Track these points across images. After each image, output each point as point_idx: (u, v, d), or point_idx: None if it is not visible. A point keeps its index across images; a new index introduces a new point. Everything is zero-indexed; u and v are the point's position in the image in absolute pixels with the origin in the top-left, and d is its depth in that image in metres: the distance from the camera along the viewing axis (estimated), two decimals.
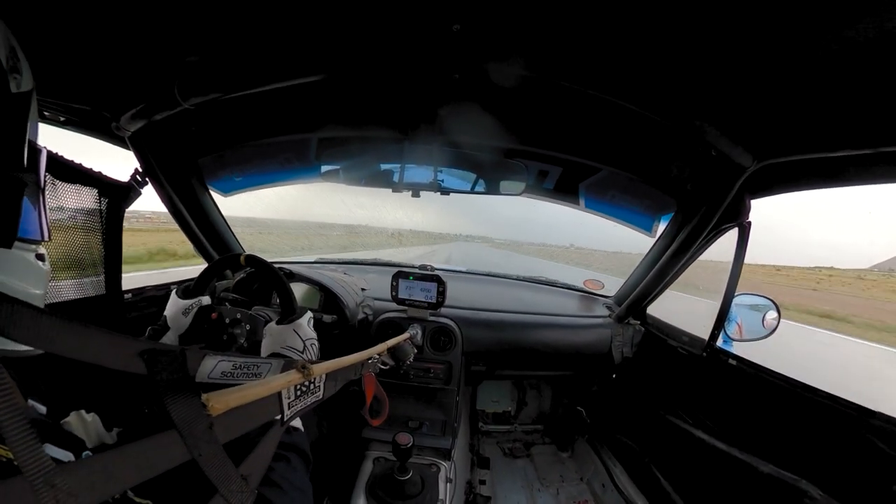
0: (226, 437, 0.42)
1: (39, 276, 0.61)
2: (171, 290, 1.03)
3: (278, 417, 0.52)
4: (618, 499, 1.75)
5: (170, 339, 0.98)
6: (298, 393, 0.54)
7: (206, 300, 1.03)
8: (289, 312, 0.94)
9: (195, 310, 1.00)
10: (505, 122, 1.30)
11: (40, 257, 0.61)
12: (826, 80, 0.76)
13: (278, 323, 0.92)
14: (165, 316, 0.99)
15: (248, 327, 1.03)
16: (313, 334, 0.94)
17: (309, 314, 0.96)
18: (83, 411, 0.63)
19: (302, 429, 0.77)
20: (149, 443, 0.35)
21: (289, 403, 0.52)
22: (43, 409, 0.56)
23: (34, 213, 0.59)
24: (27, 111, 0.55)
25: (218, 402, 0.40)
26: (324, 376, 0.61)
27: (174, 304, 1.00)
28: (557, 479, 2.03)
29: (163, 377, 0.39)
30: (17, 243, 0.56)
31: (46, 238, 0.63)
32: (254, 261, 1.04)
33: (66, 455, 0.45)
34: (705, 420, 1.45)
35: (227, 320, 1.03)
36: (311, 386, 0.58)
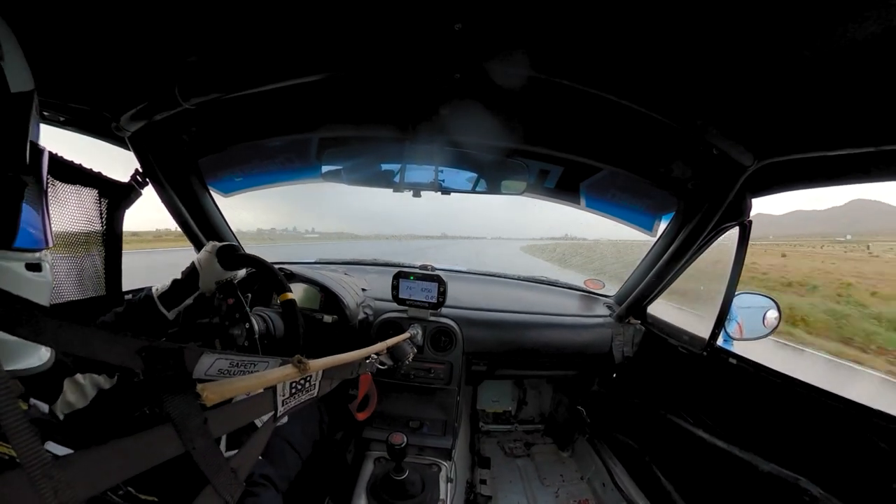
0: (219, 431, 0.43)
1: (39, 290, 0.58)
2: (209, 250, 0.99)
3: (271, 414, 0.52)
4: (618, 498, 1.74)
5: (189, 299, 0.98)
6: (293, 391, 0.55)
7: (241, 274, 1.00)
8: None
9: (223, 283, 0.98)
10: (506, 121, 1.30)
11: (35, 267, 0.57)
12: (827, 78, 0.75)
13: None
14: (197, 269, 0.97)
15: (246, 326, 1.03)
16: None
17: None
18: (78, 375, 0.65)
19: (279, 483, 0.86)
20: (145, 436, 0.36)
21: (283, 401, 0.53)
22: (45, 407, 0.56)
23: (38, 219, 0.57)
24: (29, 111, 0.55)
25: (213, 393, 0.41)
26: (320, 374, 0.61)
27: (212, 270, 0.97)
28: (558, 479, 2.03)
29: (160, 374, 0.39)
30: (14, 254, 0.54)
31: (50, 244, 0.61)
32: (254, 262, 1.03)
33: (66, 452, 0.46)
34: (706, 419, 1.44)
35: (227, 322, 1.03)
36: (307, 384, 0.58)
